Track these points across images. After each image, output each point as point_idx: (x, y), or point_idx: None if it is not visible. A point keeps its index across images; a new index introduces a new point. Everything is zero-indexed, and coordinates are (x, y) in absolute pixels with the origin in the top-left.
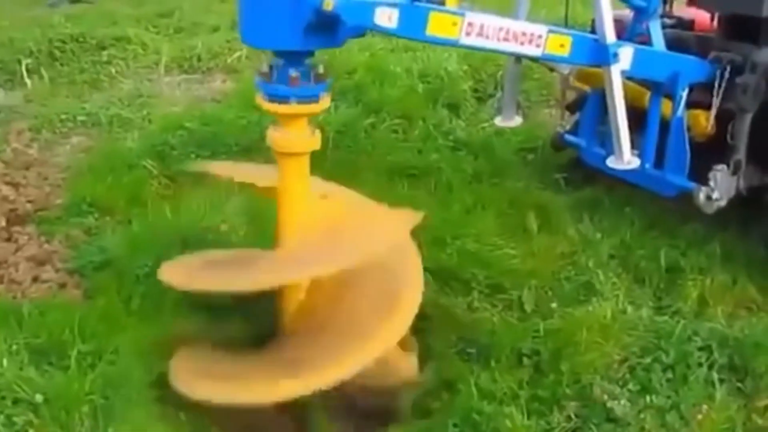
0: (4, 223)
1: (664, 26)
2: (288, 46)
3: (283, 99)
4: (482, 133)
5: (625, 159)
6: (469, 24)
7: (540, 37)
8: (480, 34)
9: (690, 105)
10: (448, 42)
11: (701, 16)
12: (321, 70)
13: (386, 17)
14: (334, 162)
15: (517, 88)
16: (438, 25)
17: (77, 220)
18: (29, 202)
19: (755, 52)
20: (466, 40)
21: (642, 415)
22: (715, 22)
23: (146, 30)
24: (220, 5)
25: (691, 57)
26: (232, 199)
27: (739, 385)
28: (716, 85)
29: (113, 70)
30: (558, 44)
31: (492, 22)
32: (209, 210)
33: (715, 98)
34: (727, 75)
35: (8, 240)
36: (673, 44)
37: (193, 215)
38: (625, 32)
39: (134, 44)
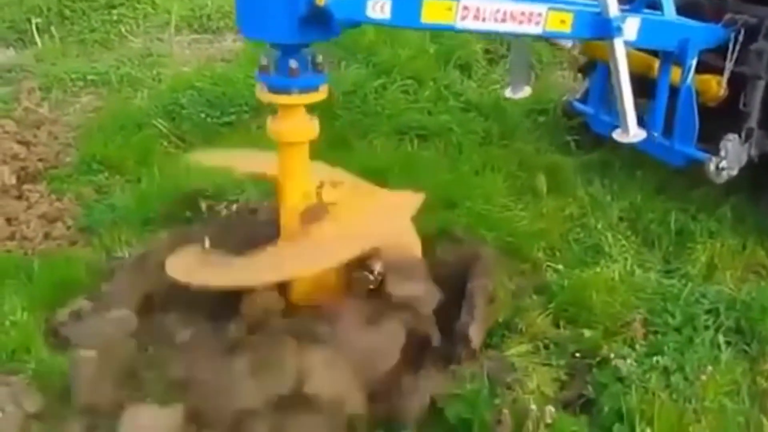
0: (15, 181)
1: None
2: (284, 38)
3: (281, 89)
4: (493, 95)
5: (631, 132)
6: (465, 8)
7: (539, 15)
8: (476, 17)
9: (702, 69)
10: (444, 27)
11: None
12: (319, 60)
13: (378, 8)
14: (343, 122)
15: (525, 58)
16: (433, 12)
17: (87, 178)
18: (40, 160)
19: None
20: (462, 24)
21: (647, 375)
22: None
23: None
24: None
25: (701, 23)
26: None
27: (745, 348)
28: (730, 48)
29: (123, 30)
30: (559, 20)
31: (488, 4)
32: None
33: (728, 62)
34: (741, 39)
35: (19, 198)
36: (685, 9)
37: (202, 174)
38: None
39: (144, 3)
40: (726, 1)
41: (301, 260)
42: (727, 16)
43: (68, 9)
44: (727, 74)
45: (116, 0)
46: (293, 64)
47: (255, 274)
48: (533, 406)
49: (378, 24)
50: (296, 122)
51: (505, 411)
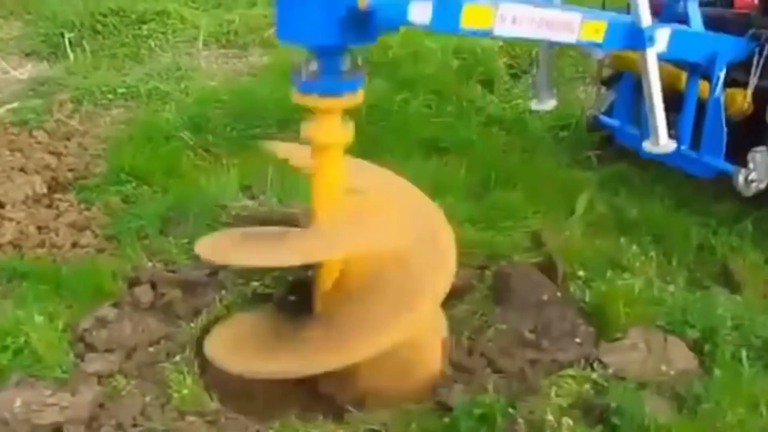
0: (45, 191)
1: (702, 4)
2: (323, 41)
3: (319, 93)
4: (516, 110)
5: (662, 143)
6: (503, 14)
7: (574, 24)
8: (514, 23)
9: (727, 83)
10: (482, 33)
11: None
12: (359, 62)
13: (420, 13)
14: (366, 136)
15: (551, 70)
16: (472, 17)
17: (115, 189)
18: (70, 170)
19: None
20: (500, 30)
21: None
22: (757, 0)
23: (185, 5)
24: None
25: (729, 36)
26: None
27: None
28: (754, 62)
29: (153, 44)
30: (593, 30)
31: (525, 11)
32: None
33: (752, 76)
34: (765, 52)
35: (49, 206)
36: (711, 23)
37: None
38: (662, 10)
39: (174, 19)
40: (750, 15)
41: (334, 242)
42: (752, 30)
43: (100, 24)
44: (751, 88)
45: (147, 15)
46: (328, 67)
47: (285, 255)
48: (550, 417)
49: (418, 27)
50: (333, 125)
51: (520, 420)
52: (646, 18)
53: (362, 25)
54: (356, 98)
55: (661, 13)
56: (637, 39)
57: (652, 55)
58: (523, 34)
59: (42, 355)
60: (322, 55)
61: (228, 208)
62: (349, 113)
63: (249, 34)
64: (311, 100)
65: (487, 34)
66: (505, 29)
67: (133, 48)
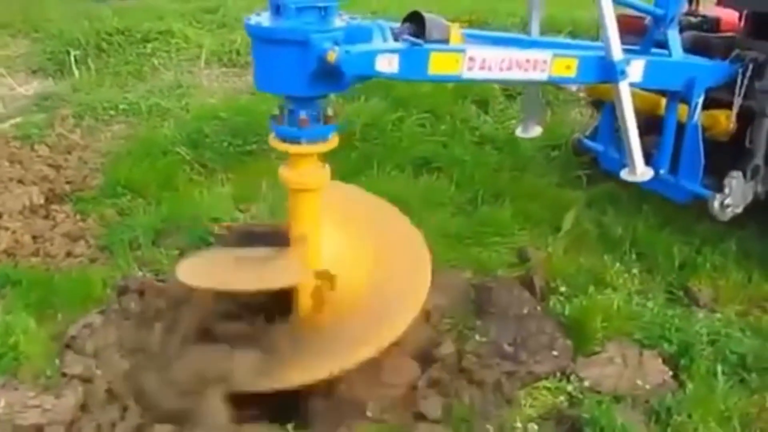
0: (43, 201)
1: (688, 26)
2: (297, 92)
3: (293, 139)
4: (508, 130)
5: (639, 171)
6: (471, 59)
7: (545, 62)
8: (483, 68)
9: (710, 105)
10: (451, 78)
11: (727, 15)
12: (330, 112)
13: (386, 63)
14: (360, 153)
15: (537, 99)
16: (439, 64)
17: (111, 201)
18: (68, 182)
19: None
20: (469, 75)
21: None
22: (741, 23)
23: (190, 25)
24: (263, 2)
25: (708, 62)
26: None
27: (744, 377)
28: (738, 82)
29: (156, 62)
30: (564, 66)
31: (494, 53)
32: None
33: (736, 97)
34: (749, 73)
35: (46, 217)
36: (694, 46)
37: (221, 200)
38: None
39: (177, 38)
40: (734, 37)
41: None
42: (735, 52)
43: (105, 42)
44: (735, 109)
45: (151, 35)
46: (303, 115)
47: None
48: (519, 424)
49: (387, 78)
50: (307, 170)
51: (489, 427)
52: (616, 51)
53: (333, 77)
54: (330, 144)
55: (643, 36)
56: (610, 72)
57: (624, 88)
58: (493, 76)
59: (28, 359)
60: (296, 104)
61: (220, 221)
62: (343, 132)
63: (250, 54)
64: (286, 146)
65: (457, 79)
66: (474, 74)
67: (136, 66)
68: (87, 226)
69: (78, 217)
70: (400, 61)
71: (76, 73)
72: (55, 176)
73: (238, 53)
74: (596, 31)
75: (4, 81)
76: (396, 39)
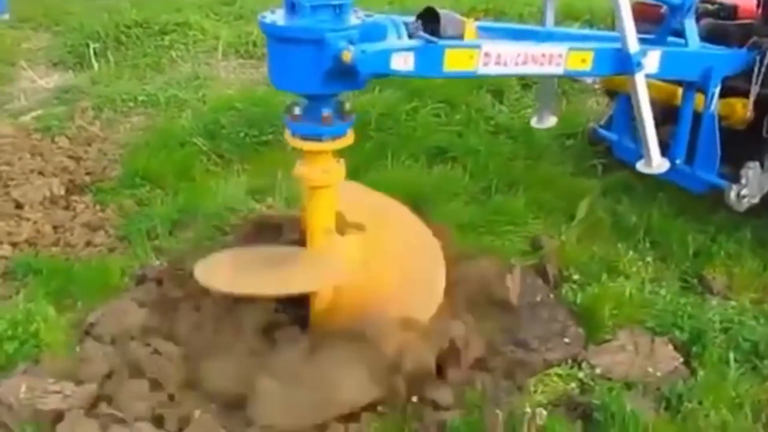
0: (63, 192)
1: (705, 13)
2: (312, 90)
3: (309, 137)
4: (524, 119)
5: (654, 163)
6: (486, 54)
7: (560, 55)
8: (498, 63)
9: (727, 93)
10: (466, 75)
11: (745, 2)
12: (346, 108)
13: (402, 61)
14: (375, 143)
15: (552, 89)
16: (455, 61)
17: (130, 192)
18: (87, 174)
19: None
20: (484, 70)
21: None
22: (759, 9)
23: (207, 17)
24: None
25: (724, 51)
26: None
27: (756, 364)
28: (755, 70)
29: (174, 54)
30: (579, 60)
31: (509, 48)
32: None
33: (753, 85)
34: (766, 61)
35: (66, 208)
36: (711, 34)
37: (237, 191)
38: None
39: (195, 30)
40: (752, 24)
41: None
42: (752, 40)
43: (124, 35)
44: (753, 97)
45: (169, 27)
46: (325, 112)
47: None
48: (528, 410)
49: (402, 76)
50: (323, 167)
51: (498, 412)
52: (632, 43)
53: (348, 75)
54: (346, 141)
55: (658, 23)
56: (626, 64)
57: (641, 80)
58: (508, 71)
59: (48, 346)
60: (312, 102)
61: (236, 211)
62: (357, 123)
63: (266, 47)
64: (303, 144)
65: (472, 75)
66: (490, 69)
67: (155, 58)
68: (106, 216)
69: (97, 207)
70: (415, 59)
71: (96, 65)
72: (75, 167)
73: (254, 45)
74: (613, 20)
75: (25, 74)
76: (410, 35)
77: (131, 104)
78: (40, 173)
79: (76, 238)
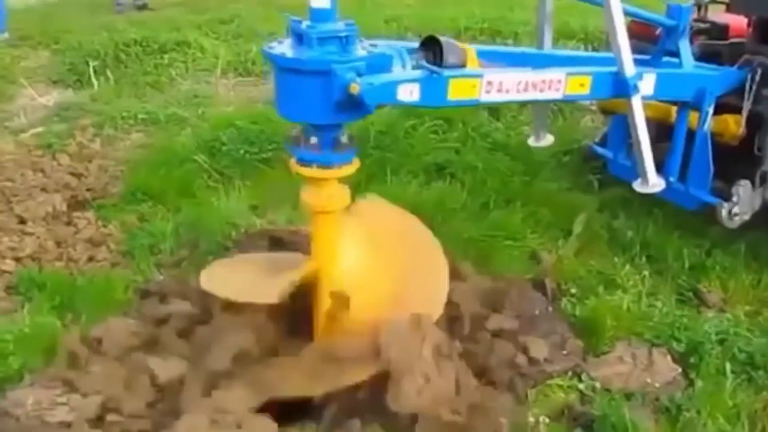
0: (65, 209)
1: (697, 32)
2: (320, 120)
3: (316, 164)
4: (521, 137)
5: (651, 182)
6: (488, 83)
7: (559, 81)
8: (500, 90)
9: (720, 110)
10: (470, 103)
11: (736, 21)
12: (349, 137)
13: (408, 93)
14: (374, 160)
15: (546, 108)
16: (458, 90)
17: (132, 208)
18: (89, 190)
19: None
20: (486, 98)
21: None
22: (749, 28)
23: (206, 35)
24: (277, 13)
25: (717, 71)
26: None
27: (752, 375)
28: (746, 87)
29: (173, 72)
30: (578, 84)
31: (510, 76)
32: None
33: (745, 101)
34: (757, 78)
35: (68, 224)
36: (703, 54)
37: (238, 207)
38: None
39: (194, 48)
40: (743, 44)
41: None
42: (743, 58)
43: (123, 53)
44: (745, 113)
45: (168, 45)
46: (326, 141)
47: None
48: (531, 419)
49: (407, 106)
50: (328, 193)
51: (503, 420)
52: (629, 68)
53: (355, 105)
54: (351, 168)
55: (652, 41)
56: (623, 88)
57: (637, 102)
58: (510, 98)
59: (54, 359)
60: (319, 130)
61: (237, 226)
62: (356, 142)
63: (266, 64)
64: (309, 171)
65: (476, 103)
66: (492, 97)
67: (154, 76)
68: (108, 232)
69: (100, 223)
70: (420, 89)
71: (95, 83)
72: (76, 184)
73: (253, 63)
74: (607, 38)
75: (25, 92)
76: (414, 66)
77: (131, 122)
78: (43, 189)
79: (78, 253)
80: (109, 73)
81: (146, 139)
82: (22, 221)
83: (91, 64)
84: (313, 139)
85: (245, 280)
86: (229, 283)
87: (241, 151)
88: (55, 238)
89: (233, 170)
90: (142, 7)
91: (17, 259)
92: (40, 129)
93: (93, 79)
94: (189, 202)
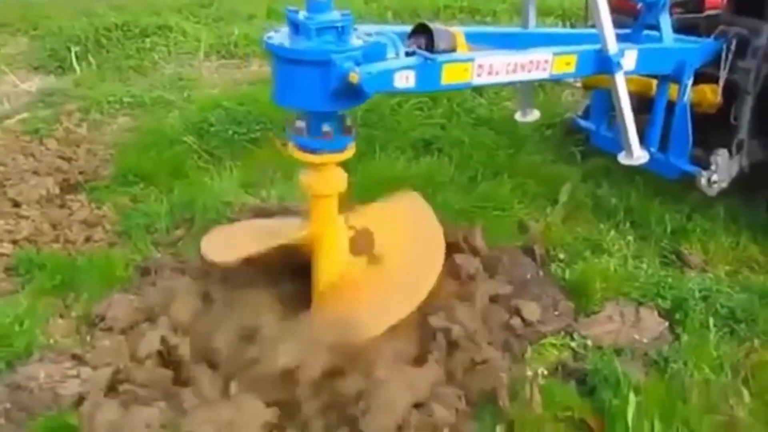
0: (58, 191)
1: (675, 4)
2: (318, 107)
3: (313, 150)
4: (504, 112)
5: (635, 155)
6: (479, 66)
7: (546, 61)
8: (490, 73)
9: (698, 80)
10: (462, 86)
11: None
12: (348, 122)
13: (404, 79)
14: (362, 138)
15: (530, 84)
16: (451, 74)
17: (124, 189)
18: (80, 173)
19: (755, 38)
20: (478, 81)
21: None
22: (724, 0)
23: (187, 19)
24: None
25: (696, 44)
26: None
27: (733, 328)
28: (723, 58)
29: (156, 56)
30: (564, 63)
31: (499, 59)
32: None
33: (722, 71)
34: (733, 48)
35: (62, 206)
36: (681, 27)
37: (230, 186)
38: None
39: (175, 32)
40: (719, 16)
41: None
42: (719, 28)
43: (105, 38)
44: (722, 83)
45: (149, 29)
46: (326, 128)
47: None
48: (529, 372)
49: (403, 92)
50: (327, 177)
51: (502, 375)
52: (612, 45)
53: (353, 93)
54: (348, 153)
55: (636, 19)
56: (606, 65)
57: (620, 78)
58: (500, 80)
59: (59, 336)
60: (317, 117)
61: (231, 204)
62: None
63: (248, 46)
64: (309, 157)
65: (468, 86)
66: (483, 79)
67: (137, 60)
68: (103, 214)
69: (93, 205)
70: (416, 76)
71: (78, 69)
72: (68, 167)
73: (236, 45)
74: (584, 14)
75: (6, 78)
76: (408, 53)
77: (117, 106)
78: (35, 173)
79: (75, 234)
80: (90, 58)
81: (133, 122)
82: (16, 204)
83: (73, 49)
84: (311, 126)
85: (244, 241)
86: (229, 247)
87: (230, 132)
88: (50, 221)
89: (223, 151)
90: None
91: (14, 242)
92: (25, 115)
93: (75, 65)
94: (182, 183)
